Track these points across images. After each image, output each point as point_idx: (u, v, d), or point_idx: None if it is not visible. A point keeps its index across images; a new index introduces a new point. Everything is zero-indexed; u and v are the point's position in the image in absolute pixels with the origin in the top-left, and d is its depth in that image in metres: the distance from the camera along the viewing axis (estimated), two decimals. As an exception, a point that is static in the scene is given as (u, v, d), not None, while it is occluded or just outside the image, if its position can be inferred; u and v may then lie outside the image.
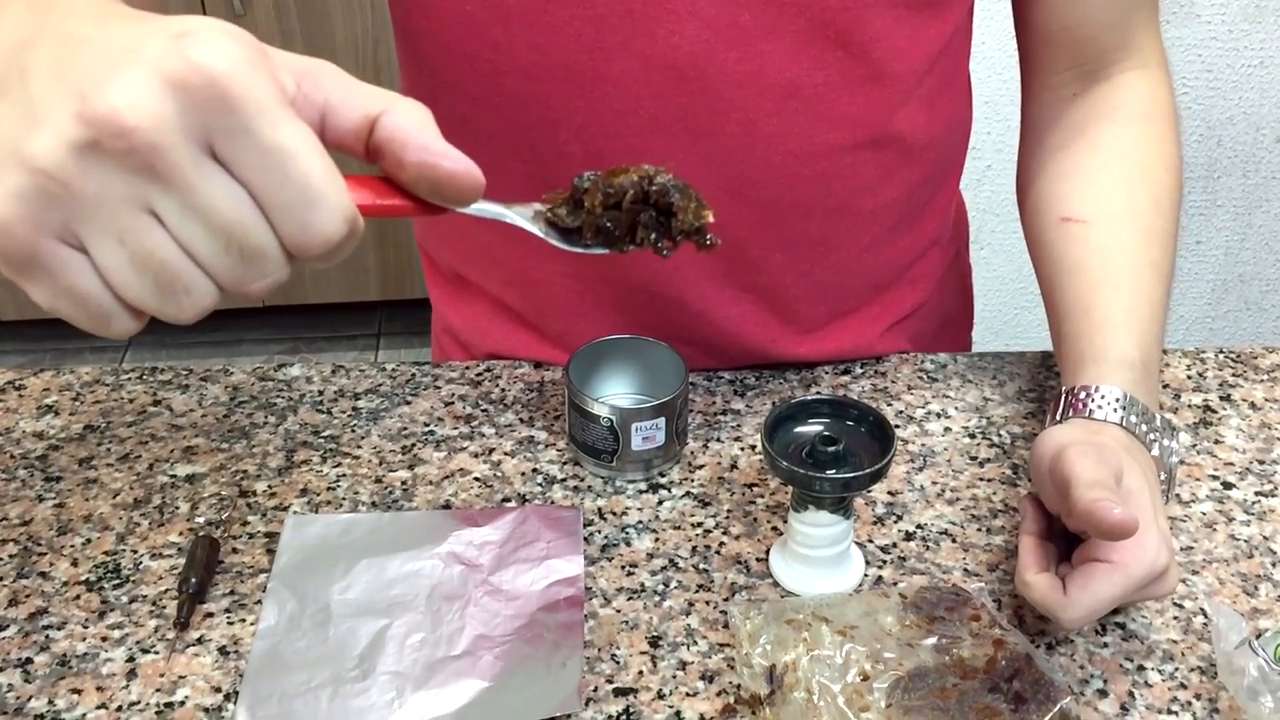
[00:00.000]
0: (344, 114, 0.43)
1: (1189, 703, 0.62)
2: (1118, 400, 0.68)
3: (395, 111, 0.43)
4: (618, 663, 0.64)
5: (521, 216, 0.49)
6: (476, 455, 0.78)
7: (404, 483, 0.76)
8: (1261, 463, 0.79)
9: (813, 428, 0.68)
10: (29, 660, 0.64)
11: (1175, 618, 0.67)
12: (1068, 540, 0.65)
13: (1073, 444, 0.63)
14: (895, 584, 0.69)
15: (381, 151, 0.44)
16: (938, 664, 0.60)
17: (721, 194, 0.75)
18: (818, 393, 0.84)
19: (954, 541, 0.72)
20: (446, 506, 0.74)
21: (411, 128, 0.43)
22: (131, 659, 0.64)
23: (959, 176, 0.90)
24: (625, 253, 0.52)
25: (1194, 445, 0.80)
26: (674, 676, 0.63)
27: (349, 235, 0.42)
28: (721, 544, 0.72)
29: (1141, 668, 0.64)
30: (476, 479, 0.76)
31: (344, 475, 0.77)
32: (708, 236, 0.52)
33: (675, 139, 0.74)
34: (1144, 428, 0.68)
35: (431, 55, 0.76)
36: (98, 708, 0.61)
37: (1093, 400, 0.68)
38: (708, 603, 0.68)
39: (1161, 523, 0.63)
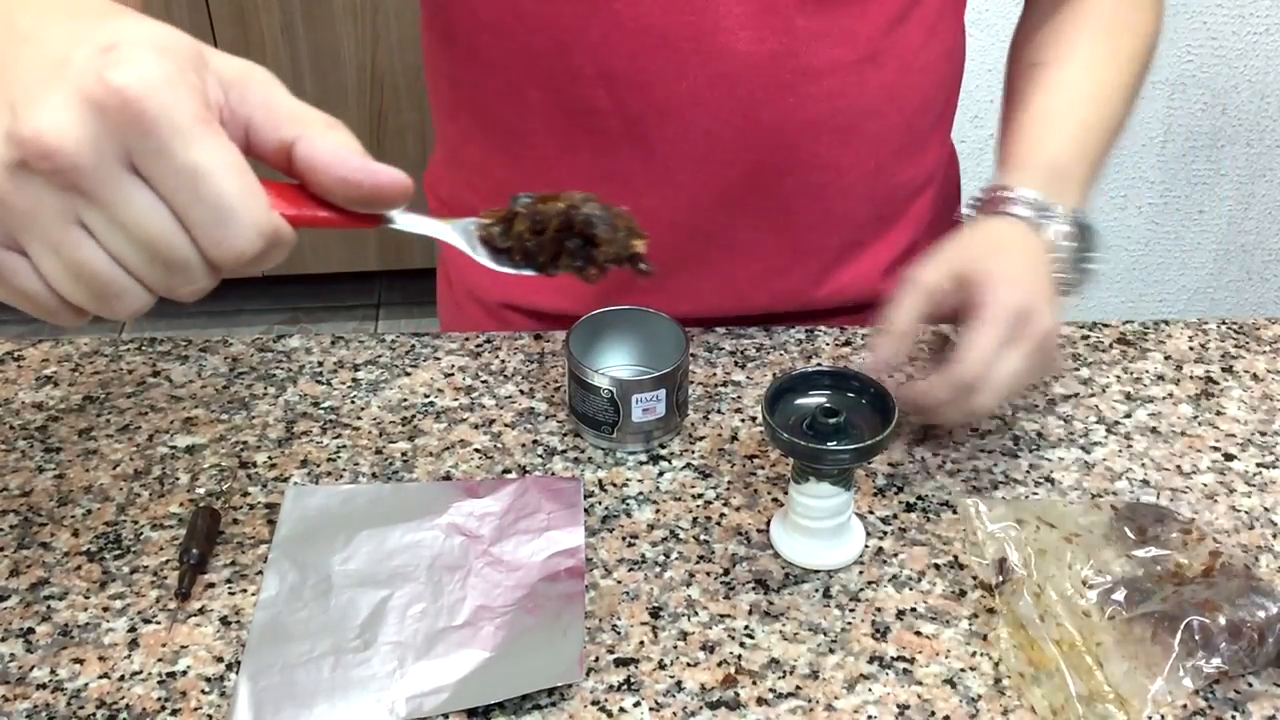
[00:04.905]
0: (263, 136, 0.44)
1: None
2: (1023, 197, 0.75)
3: (307, 139, 0.44)
4: (619, 633, 0.64)
5: (454, 230, 0.51)
6: (477, 426, 0.78)
7: (404, 454, 0.76)
8: (1263, 434, 0.79)
9: (814, 399, 0.68)
10: (30, 630, 0.64)
11: None
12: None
13: (925, 279, 0.70)
14: (1102, 494, 0.72)
15: (302, 175, 0.45)
16: (1152, 574, 0.63)
17: (736, 118, 0.78)
18: (819, 364, 0.84)
19: (955, 513, 0.72)
20: (447, 478, 0.74)
21: (324, 153, 0.44)
22: (133, 629, 0.64)
23: (951, 121, 0.94)
24: (552, 276, 0.52)
25: (1195, 416, 0.80)
26: (675, 647, 0.63)
27: (267, 248, 0.43)
28: (722, 515, 0.72)
29: None
30: (477, 450, 0.76)
31: (344, 446, 0.76)
32: (641, 264, 0.53)
33: (686, 60, 0.76)
34: (1034, 214, 0.74)
35: None
36: (99, 677, 0.61)
37: (1002, 202, 0.75)
38: (708, 574, 0.68)
39: (1030, 284, 0.69)
